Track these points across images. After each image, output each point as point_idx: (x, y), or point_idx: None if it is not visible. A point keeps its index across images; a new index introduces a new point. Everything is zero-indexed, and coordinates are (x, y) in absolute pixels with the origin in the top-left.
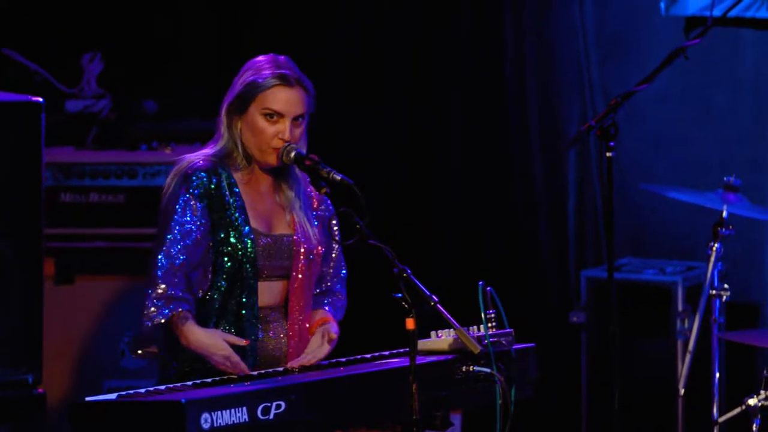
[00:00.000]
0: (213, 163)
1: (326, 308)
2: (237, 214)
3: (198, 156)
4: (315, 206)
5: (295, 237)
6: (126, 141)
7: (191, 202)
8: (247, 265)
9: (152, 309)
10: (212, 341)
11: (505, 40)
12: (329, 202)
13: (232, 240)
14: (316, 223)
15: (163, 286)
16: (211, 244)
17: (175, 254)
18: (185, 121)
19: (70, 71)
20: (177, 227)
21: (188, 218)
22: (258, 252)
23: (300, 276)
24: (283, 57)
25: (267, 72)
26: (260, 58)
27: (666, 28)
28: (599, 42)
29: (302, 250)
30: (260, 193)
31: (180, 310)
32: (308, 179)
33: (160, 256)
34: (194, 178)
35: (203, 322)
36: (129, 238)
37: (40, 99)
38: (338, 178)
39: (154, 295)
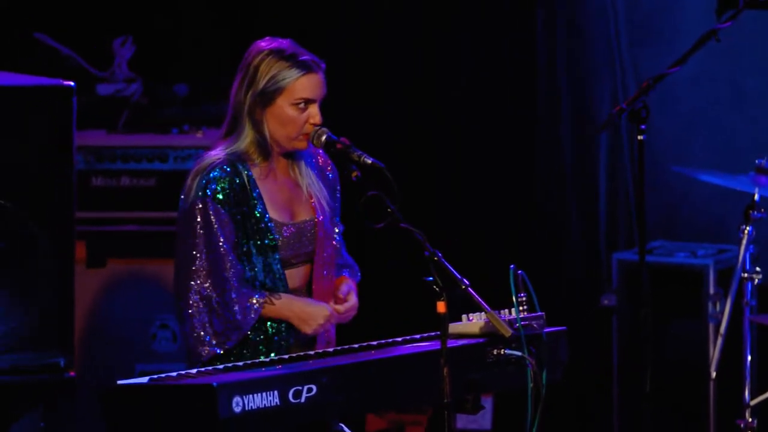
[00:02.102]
0: (232, 161)
1: (345, 272)
2: (259, 210)
3: (217, 155)
4: (323, 179)
5: (317, 219)
6: (157, 124)
7: (212, 215)
8: (274, 258)
9: (245, 318)
10: (315, 307)
11: (536, 22)
12: (333, 166)
13: (257, 236)
14: (326, 192)
15: (236, 306)
16: (238, 241)
17: (228, 279)
18: (216, 104)
19: (102, 55)
20: (205, 251)
21: (215, 235)
22: (284, 242)
23: (323, 256)
24: (287, 41)
25: (287, 62)
26: (264, 46)
27: (697, 9)
28: (630, 23)
29: (323, 232)
30: (278, 184)
31: (262, 298)
32: (319, 151)
33: (206, 285)
34: (216, 180)
35: None
36: (160, 222)
37: (72, 83)
38: (369, 161)
39: (239, 312)
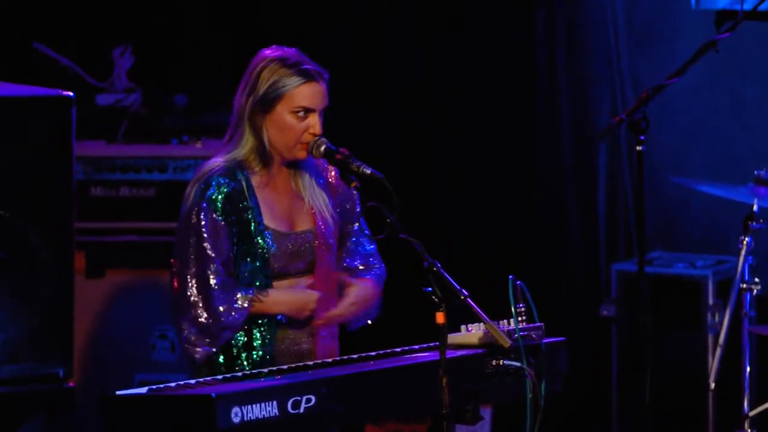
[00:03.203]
0: (231, 169)
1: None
2: (254, 218)
3: (217, 162)
4: (332, 191)
5: (316, 230)
6: (157, 135)
7: (206, 222)
8: (266, 268)
9: (231, 317)
10: (302, 294)
11: (536, 22)
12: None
13: (251, 244)
14: (332, 205)
15: (221, 307)
16: (233, 248)
17: (210, 283)
18: (215, 115)
19: (101, 65)
20: (194, 258)
21: (206, 243)
22: (280, 252)
23: (323, 268)
24: (292, 50)
25: (289, 70)
26: (268, 53)
27: (696, 20)
28: (630, 24)
29: (322, 241)
30: (279, 193)
31: (249, 294)
32: (324, 163)
33: (193, 289)
34: (214, 187)
35: None
36: (159, 232)
37: (71, 93)
38: (368, 172)
39: (224, 313)
